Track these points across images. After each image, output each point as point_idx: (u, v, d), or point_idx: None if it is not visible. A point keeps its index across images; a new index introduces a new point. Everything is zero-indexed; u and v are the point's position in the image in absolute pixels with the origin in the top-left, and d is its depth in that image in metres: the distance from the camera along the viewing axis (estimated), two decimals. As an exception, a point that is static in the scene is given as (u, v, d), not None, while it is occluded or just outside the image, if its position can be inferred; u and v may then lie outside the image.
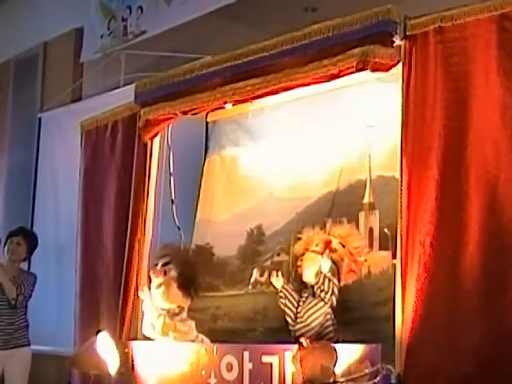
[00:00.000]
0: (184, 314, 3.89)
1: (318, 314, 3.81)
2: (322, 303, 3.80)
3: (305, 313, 3.84)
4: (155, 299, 3.88)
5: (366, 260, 3.91)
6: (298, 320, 3.86)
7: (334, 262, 3.91)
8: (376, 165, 4.24)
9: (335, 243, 3.92)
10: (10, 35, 7.95)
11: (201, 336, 3.95)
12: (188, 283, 3.87)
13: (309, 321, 3.81)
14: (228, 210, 4.96)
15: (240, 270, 4.50)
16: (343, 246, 3.92)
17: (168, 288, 3.84)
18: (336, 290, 3.81)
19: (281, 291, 3.96)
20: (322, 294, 3.79)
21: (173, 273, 3.86)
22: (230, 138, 5.08)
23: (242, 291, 4.50)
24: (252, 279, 4.06)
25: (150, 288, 3.91)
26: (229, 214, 4.95)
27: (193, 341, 3.88)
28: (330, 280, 3.80)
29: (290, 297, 3.93)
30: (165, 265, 3.88)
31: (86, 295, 4.73)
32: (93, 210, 4.80)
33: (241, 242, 4.78)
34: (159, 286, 3.86)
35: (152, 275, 3.89)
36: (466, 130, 3.20)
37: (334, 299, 3.81)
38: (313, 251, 3.92)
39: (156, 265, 3.91)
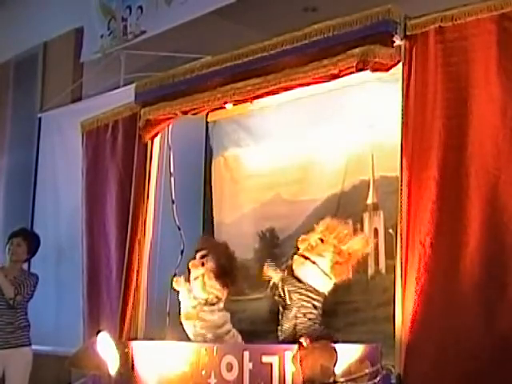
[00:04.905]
0: (221, 305, 3.98)
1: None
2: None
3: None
4: (193, 290, 3.98)
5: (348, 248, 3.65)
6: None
7: (312, 261, 3.66)
8: (379, 165, 4.23)
9: (313, 240, 3.68)
10: (10, 35, 7.97)
11: (233, 331, 4.00)
12: (225, 274, 3.97)
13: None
14: (236, 211, 4.96)
15: (259, 272, 4.47)
16: (322, 241, 3.65)
17: (206, 278, 3.93)
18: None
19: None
20: None
21: (210, 264, 3.96)
22: (231, 139, 5.07)
23: (262, 294, 4.45)
24: (271, 282, 4.02)
25: (188, 279, 4.02)
26: (237, 215, 4.95)
27: (224, 334, 3.93)
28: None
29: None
30: (203, 257, 4.00)
31: (93, 296, 4.73)
32: (96, 210, 4.80)
33: (254, 244, 4.80)
34: (197, 277, 3.96)
35: (191, 267, 4.00)
36: (466, 129, 3.19)
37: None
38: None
39: (194, 258, 4.03)
